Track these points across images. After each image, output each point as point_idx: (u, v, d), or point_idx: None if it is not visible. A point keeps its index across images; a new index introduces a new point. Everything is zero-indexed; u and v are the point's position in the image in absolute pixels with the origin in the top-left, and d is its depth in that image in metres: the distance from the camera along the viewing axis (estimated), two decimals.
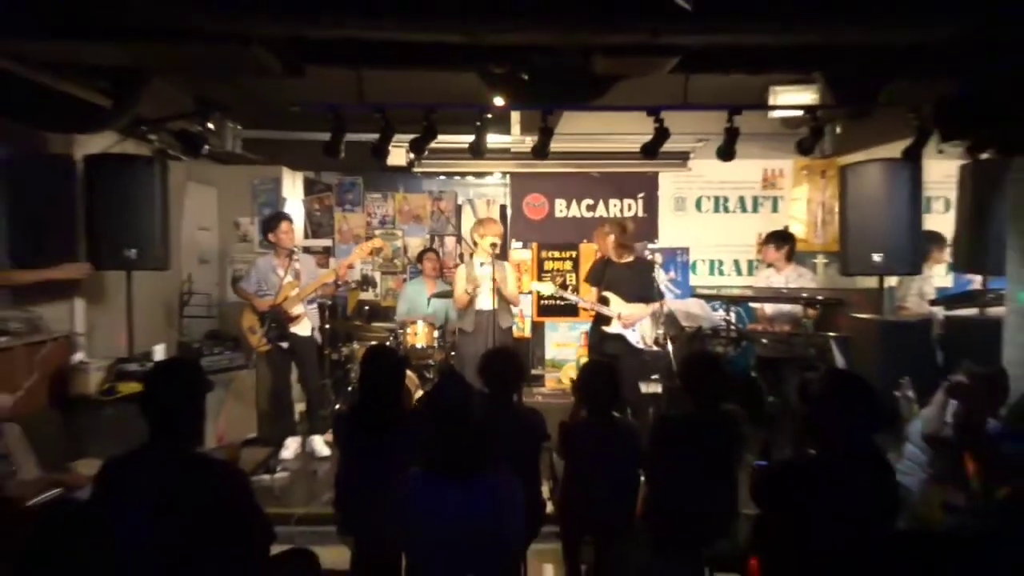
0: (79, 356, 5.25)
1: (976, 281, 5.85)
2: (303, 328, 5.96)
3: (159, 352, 5.57)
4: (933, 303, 6.14)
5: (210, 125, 5.08)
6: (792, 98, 5.80)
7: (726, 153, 4.87)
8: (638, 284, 6.04)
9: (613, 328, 5.96)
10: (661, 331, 6.16)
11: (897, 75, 4.26)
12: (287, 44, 3.80)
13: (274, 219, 6.07)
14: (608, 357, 5.70)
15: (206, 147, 5.18)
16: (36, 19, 2.47)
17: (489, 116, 4.92)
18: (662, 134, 4.81)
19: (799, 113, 5.60)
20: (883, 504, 2.67)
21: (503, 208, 8.06)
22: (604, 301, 6.00)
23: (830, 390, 2.65)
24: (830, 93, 4.82)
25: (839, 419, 2.58)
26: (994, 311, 5.27)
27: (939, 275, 6.63)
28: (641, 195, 7.49)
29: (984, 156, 4.36)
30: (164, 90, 5.13)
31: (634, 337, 5.97)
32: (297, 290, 5.89)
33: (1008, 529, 2.94)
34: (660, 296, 6.18)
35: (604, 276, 6.08)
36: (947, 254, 6.31)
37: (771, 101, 5.89)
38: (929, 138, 4.25)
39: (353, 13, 3.18)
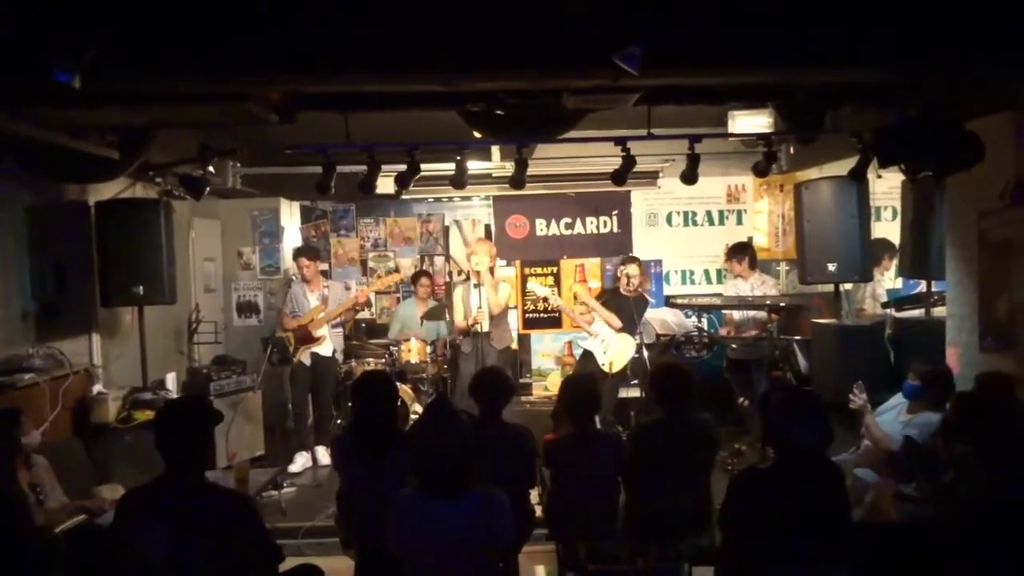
0: (98, 387, 5.34)
1: (922, 284, 6.01)
2: (325, 348, 6.25)
3: (170, 380, 5.67)
4: (885, 305, 6.30)
5: (211, 168, 5.17)
6: (748, 121, 5.93)
7: (689, 178, 5.00)
8: (630, 316, 6.21)
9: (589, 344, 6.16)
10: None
11: (840, 105, 4.41)
12: (280, 97, 3.90)
13: (294, 254, 6.46)
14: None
15: (208, 188, 5.27)
16: (54, 89, 2.56)
17: (468, 151, 5.03)
18: (629, 162, 4.94)
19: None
20: (835, 508, 2.80)
21: (488, 228, 8.17)
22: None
23: (785, 406, 2.77)
24: (781, 120, 4.96)
25: (793, 432, 2.70)
26: (939, 312, 5.43)
27: (890, 278, 6.81)
28: (615, 212, 7.62)
29: (921, 175, 4.51)
30: (169, 137, 5.22)
31: (602, 359, 6.12)
32: (323, 314, 6.08)
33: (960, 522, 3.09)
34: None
35: (608, 305, 6.27)
36: (896, 260, 6.48)
37: (729, 124, 6.00)
38: (871, 162, 4.40)
39: (341, 71, 3.29)
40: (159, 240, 5.47)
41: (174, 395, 5.72)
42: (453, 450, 2.68)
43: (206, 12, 3.01)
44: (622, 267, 6.39)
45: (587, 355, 6.31)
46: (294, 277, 6.31)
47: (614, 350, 6.19)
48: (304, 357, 6.19)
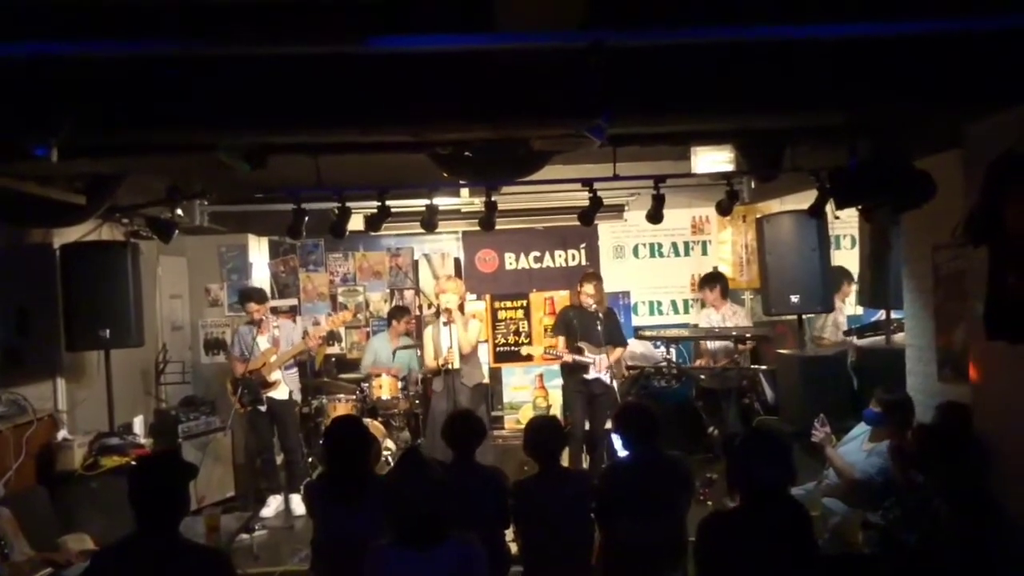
0: (62, 433, 5.25)
1: (882, 311, 6.19)
2: (280, 392, 6.07)
3: (138, 424, 5.61)
4: (847, 333, 6.48)
5: (179, 211, 5.16)
6: (710, 157, 6.09)
7: (655, 217, 5.14)
8: (610, 329, 6.24)
9: (592, 374, 6.09)
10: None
11: (798, 143, 4.58)
12: (251, 145, 3.93)
13: (241, 298, 6.26)
14: (595, 398, 6.01)
15: (176, 231, 5.27)
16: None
17: (436, 201, 5.11)
18: (596, 203, 5.05)
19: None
20: (802, 546, 2.88)
21: (457, 261, 8.23)
22: (578, 351, 6.13)
23: (746, 447, 2.85)
24: (741, 158, 5.12)
25: (755, 472, 2.78)
26: (899, 339, 5.60)
27: (850, 304, 7.00)
28: (583, 245, 7.75)
29: (877, 212, 4.69)
30: (136, 179, 5.20)
31: (607, 376, 6.14)
32: (275, 356, 5.99)
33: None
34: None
35: (573, 325, 6.23)
36: (855, 286, 6.67)
37: (692, 160, 6.16)
38: (828, 200, 4.56)
39: (312, 124, 3.35)
40: (126, 283, 5.42)
41: (142, 439, 5.66)
42: (427, 501, 2.71)
43: (176, 67, 3.05)
44: (579, 287, 6.34)
45: (596, 381, 6.17)
46: (266, 317, 6.18)
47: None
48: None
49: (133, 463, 4.89)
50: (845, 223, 7.35)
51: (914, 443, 3.95)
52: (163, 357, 6.90)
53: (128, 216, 5.75)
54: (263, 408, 6.00)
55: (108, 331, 5.34)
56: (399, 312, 7.48)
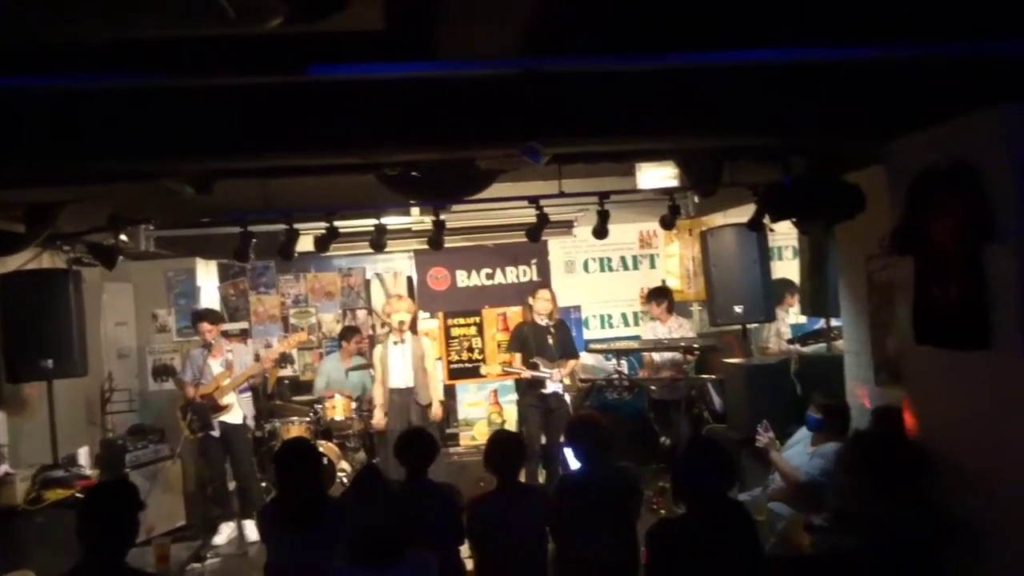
0: (4, 468, 5.10)
1: (823, 320, 6.41)
2: (234, 416, 6.00)
3: (83, 455, 5.49)
4: (790, 341, 6.69)
5: (124, 237, 5.10)
6: (654, 173, 6.27)
7: (600, 232, 5.26)
8: (563, 343, 6.35)
9: (550, 388, 6.20)
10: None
11: (736, 159, 4.77)
12: (197, 170, 3.94)
13: (194, 319, 6.26)
14: (551, 412, 6.12)
15: (120, 257, 5.20)
16: None
17: (385, 221, 5.16)
18: (543, 219, 5.16)
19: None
20: (747, 548, 2.99)
21: (410, 280, 8.26)
22: (534, 367, 6.22)
23: (689, 456, 2.96)
24: (683, 174, 5.29)
25: (697, 479, 2.88)
26: (840, 346, 5.81)
27: (794, 314, 7.23)
28: (534, 261, 7.84)
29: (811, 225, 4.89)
30: (78, 206, 5.14)
31: (562, 389, 6.22)
32: (229, 380, 5.93)
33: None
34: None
35: (528, 341, 6.31)
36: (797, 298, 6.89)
37: (637, 175, 6.32)
38: (765, 214, 4.74)
39: (257, 150, 3.38)
40: (68, 311, 5.32)
41: (87, 470, 5.53)
42: (386, 521, 2.75)
43: (118, 94, 3.05)
44: (532, 299, 6.44)
45: (554, 395, 6.28)
46: (213, 342, 6.13)
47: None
48: (213, 428, 5.97)
49: (79, 495, 4.79)
50: (787, 235, 7.60)
51: (851, 447, 4.10)
52: (109, 386, 6.78)
53: (70, 243, 5.65)
54: (215, 433, 5.93)
55: (51, 361, 5.22)
56: (350, 332, 7.46)
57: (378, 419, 6.29)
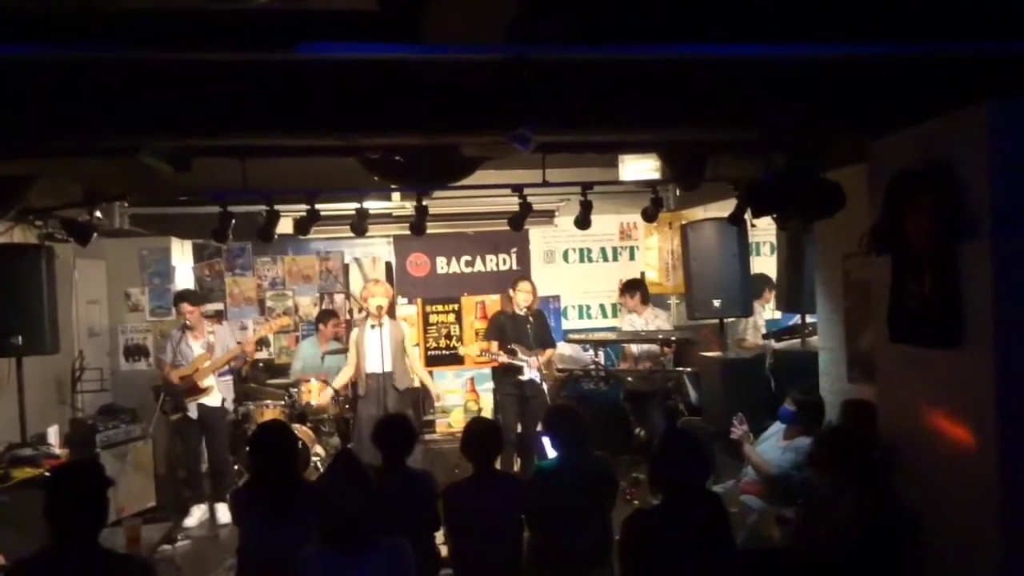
0: None
1: (798, 316, 6.49)
2: (212, 399, 5.95)
3: (52, 434, 5.40)
4: (766, 336, 6.76)
5: (98, 213, 5.01)
6: (637, 165, 6.29)
7: (583, 223, 5.26)
8: (541, 332, 6.37)
9: (526, 375, 6.20)
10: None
11: (719, 153, 4.79)
12: (176, 148, 3.87)
13: (175, 300, 6.20)
14: (528, 400, 6.14)
15: (95, 235, 5.11)
16: None
17: (366, 205, 5.12)
18: (525, 208, 5.14)
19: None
20: (720, 536, 3.02)
21: (389, 265, 8.21)
22: (512, 353, 6.23)
23: (667, 447, 2.98)
24: (666, 167, 5.30)
25: (673, 469, 2.91)
26: (814, 342, 5.88)
27: (770, 310, 7.31)
28: (514, 250, 7.85)
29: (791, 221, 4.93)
30: (52, 181, 5.04)
31: (539, 378, 6.23)
32: (209, 362, 5.86)
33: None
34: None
35: (506, 330, 6.32)
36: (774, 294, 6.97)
37: (620, 167, 6.35)
38: (746, 209, 4.77)
39: (238, 127, 3.32)
40: (39, 287, 5.22)
41: (56, 449, 5.45)
42: (360, 506, 2.74)
43: (94, 68, 2.99)
44: (514, 288, 6.45)
45: (530, 383, 6.28)
46: (193, 324, 6.05)
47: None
48: (191, 410, 5.91)
49: (47, 474, 4.72)
50: (765, 231, 7.67)
51: (819, 442, 4.16)
52: (80, 364, 6.67)
53: (42, 218, 5.54)
54: (193, 415, 5.88)
55: (20, 337, 5.13)
56: (327, 316, 7.41)
57: (323, 396, 6.44)
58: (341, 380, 6.28)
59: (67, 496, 2.67)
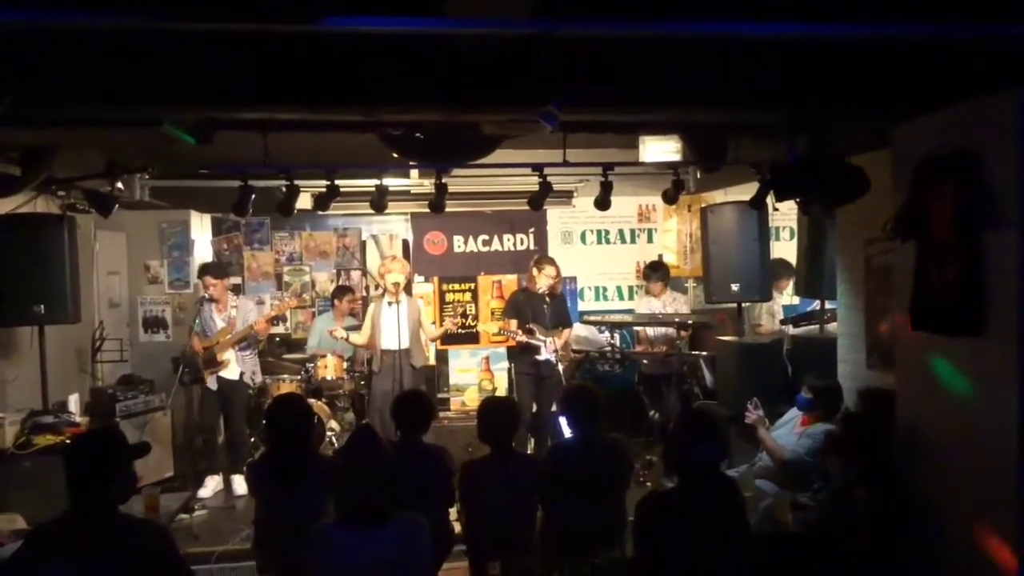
0: None
1: (816, 302, 6.43)
2: (231, 372, 6.00)
3: (73, 402, 5.48)
4: (783, 322, 6.72)
5: (119, 185, 5.04)
6: (658, 146, 6.20)
7: (603, 204, 5.23)
8: (558, 312, 6.35)
9: (543, 355, 6.18)
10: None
11: (741, 135, 4.73)
12: (197, 120, 3.87)
13: (199, 272, 6.18)
14: (543, 380, 6.12)
15: (116, 206, 5.14)
16: None
17: (385, 182, 5.11)
18: (545, 188, 5.12)
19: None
20: (735, 519, 3.02)
21: (405, 242, 8.22)
22: (530, 333, 6.21)
23: (683, 428, 2.98)
24: (687, 149, 5.25)
25: (689, 451, 2.90)
26: (832, 328, 5.84)
27: (788, 295, 7.25)
28: (532, 230, 7.83)
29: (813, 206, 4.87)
30: (74, 152, 5.06)
31: (555, 358, 6.22)
32: (229, 336, 5.91)
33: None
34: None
35: (524, 309, 6.29)
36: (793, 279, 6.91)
37: (640, 148, 6.27)
38: (768, 192, 4.72)
39: (262, 100, 3.32)
40: (61, 257, 5.27)
41: (77, 418, 5.53)
42: (377, 482, 2.75)
43: (119, 37, 2.99)
44: (538, 269, 6.28)
45: (546, 363, 6.25)
46: (216, 297, 6.08)
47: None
48: (210, 382, 5.96)
49: (67, 441, 4.80)
50: (784, 215, 7.61)
51: (840, 429, 4.14)
52: (100, 334, 6.75)
53: (65, 189, 5.58)
54: (212, 387, 5.94)
55: (42, 306, 5.19)
56: (342, 292, 7.44)
57: (329, 364, 6.55)
58: (356, 339, 6.30)
59: (81, 464, 2.69)
